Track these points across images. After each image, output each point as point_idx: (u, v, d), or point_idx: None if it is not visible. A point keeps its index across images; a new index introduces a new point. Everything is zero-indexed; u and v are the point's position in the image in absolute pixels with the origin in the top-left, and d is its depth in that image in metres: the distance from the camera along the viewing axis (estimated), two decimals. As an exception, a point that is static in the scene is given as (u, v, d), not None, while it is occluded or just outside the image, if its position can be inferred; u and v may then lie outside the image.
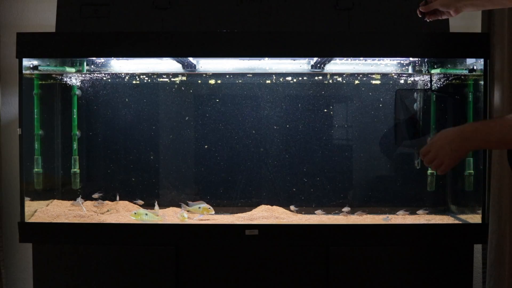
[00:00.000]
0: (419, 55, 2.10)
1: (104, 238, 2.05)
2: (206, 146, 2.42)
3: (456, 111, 2.32)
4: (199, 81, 2.40)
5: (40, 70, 2.18)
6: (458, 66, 2.22)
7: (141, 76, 2.37)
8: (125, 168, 2.43)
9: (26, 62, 2.08)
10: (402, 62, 2.27)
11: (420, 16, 1.83)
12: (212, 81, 2.39)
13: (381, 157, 2.43)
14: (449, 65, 2.23)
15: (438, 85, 2.30)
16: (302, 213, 2.31)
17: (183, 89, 2.42)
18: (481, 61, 2.09)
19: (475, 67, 2.17)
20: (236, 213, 2.28)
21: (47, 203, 2.31)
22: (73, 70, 2.29)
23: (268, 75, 2.36)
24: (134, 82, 2.39)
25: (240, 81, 2.38)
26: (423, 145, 1.54)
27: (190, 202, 2.24)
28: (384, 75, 2.33)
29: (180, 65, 2.29)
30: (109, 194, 2.39)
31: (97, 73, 2.32)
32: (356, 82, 2.38)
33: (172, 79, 2.39)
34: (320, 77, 2.37)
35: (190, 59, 2.19)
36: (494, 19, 2.43)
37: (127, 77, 2.37)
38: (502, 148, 1.64)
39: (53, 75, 2.30)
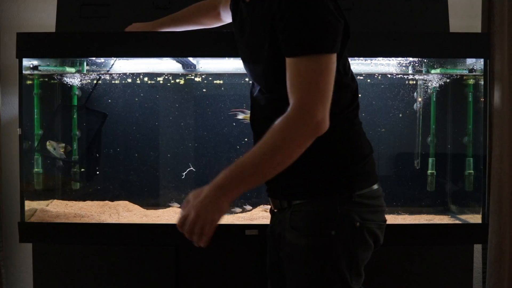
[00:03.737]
0: (419, 55, 2.09)
1: (104, 238, 2.05)
2: (205, 146, 2.42)
3: None
4: (199, 80, 2.40)
5: (40, 70, 2.18)
6: (458, 66, 2.22)
7: (141, 76, 2.37)
8: (124, 168, 2.43)
9: (26, 62, 2.08)
10: (401, 62, 2.27)
11: None
12: (212, 81, 2.39)
13: (381, 157, 2.43)
14: (449, 66, 2.23)
15: (438, 85, 2.30)
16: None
17: (182, 89, 2.42)
18: (481, 61, 2.08)
19: (475, 67, 2.17)
20: (236, 213, 2.27)
21: (47, 203, 2.31)
22: (73, 70, 2.29)
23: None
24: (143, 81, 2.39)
25: (240, 81, 2.38)
26: None
27: None
28: (384, 75, 2.33)
29: (180, 65, 2.28)
30: (109, 194, 2.40)
31: (97, 73, 2.31)
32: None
33: (172, 79, 2.39)
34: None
35: (190, 59, 2.19)
36: (494, 19, 2.43)
37: (126, 77, 2.37)
38: (261, 181, 1.37)
39: (53, 75, 2.30)
